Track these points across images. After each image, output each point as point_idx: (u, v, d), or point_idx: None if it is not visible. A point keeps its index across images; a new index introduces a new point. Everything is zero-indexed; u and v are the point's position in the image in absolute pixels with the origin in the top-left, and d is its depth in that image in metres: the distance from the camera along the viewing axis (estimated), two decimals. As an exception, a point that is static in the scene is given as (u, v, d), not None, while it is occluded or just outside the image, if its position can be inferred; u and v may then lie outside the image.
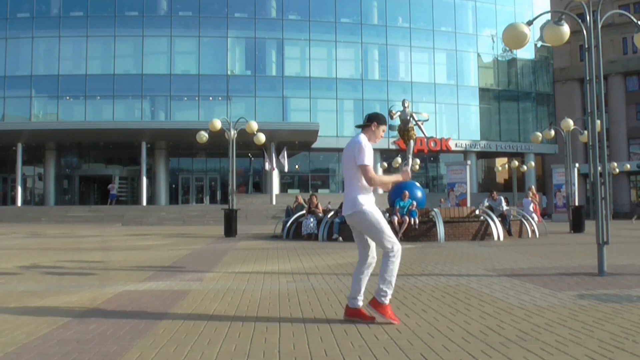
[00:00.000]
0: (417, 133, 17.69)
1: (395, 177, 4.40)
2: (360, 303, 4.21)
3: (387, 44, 38.44)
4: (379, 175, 4.40)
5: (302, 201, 17.38)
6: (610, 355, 3.25)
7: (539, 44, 41.41)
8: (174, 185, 37.00)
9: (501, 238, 13.77)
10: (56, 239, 15.88)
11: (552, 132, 19.62)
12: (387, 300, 4.14)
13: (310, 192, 28.37)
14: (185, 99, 36.45)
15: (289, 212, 17.45)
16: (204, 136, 17.60)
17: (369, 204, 4.14)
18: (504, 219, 14.73)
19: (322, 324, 4.22)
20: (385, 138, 36.54)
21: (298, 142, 33.34)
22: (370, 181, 4.11)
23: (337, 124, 36.98)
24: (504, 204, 15.68)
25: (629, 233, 16.99)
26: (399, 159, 23.25)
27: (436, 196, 30.33)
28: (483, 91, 40.91)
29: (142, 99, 35.97)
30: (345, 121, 37.95)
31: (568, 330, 3.87)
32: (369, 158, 4.08)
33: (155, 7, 36.72)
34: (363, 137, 4.18)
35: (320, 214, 15.29)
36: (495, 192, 16.61)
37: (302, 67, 38.02)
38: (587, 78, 7.18)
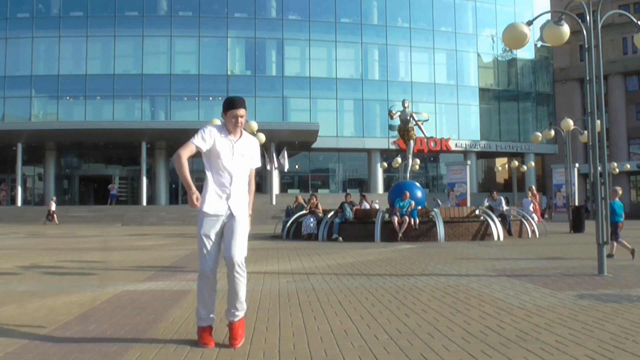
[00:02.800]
0: (417, 133, 17.71)
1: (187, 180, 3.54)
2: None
3: (387, 44, 38.42)
4: (184, 161, 3.58)
5: (302, 201, 17.39)
6: (610, 355, 3.25)
7: (539, 44, 41.40)
8: (174, 185, 36.96)
9: (501, 238, 13.77)
10: (56, 239, 15.88)
11: (552, 132, 19.63)
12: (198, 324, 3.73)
13: (310, 192, 28.37)
14: (185, 99, 36.44)
15: (289, 212, 17.45)
16: (204, 136, 17.57)
17: (202, 210, 3.71)
18: (504, 219, 14.73)
19: (322, 324, 4.22)
20: (385, 138, 36.62)
21: (298, 142, 33.33)
22: (177, 161, 3.61)
23: (337, 124, 36.98)
24: (504, 204, 15.68)
25: (629, 233, 16.97)
26: (399, 159, 23.27)
27: (436, 196, 30.31)
28: (483, 91, 40.91)
29: (142, 99, 35.95)
30: (345, 121, 37.96)
31: (568, 330, 3.87)
32: (198, 137, 3.65)
33: (155, 7, 36.70)
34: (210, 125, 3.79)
35: (320, 214, 15.30)
36: (495, 192, 16.61)
37: (302, 67, 38.01)
38: (587, 78, 7.19)
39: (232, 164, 3.68)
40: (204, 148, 3.62)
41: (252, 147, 3.82)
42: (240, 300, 3.62)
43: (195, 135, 3.63)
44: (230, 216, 3.66)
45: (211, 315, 3.70)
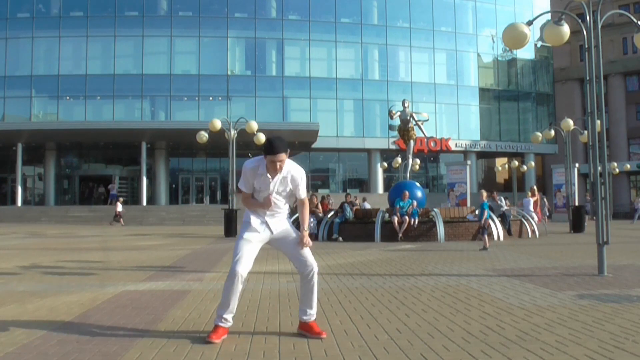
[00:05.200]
0: (417, 133, 17.70)
1: (260, 205, 3.87)
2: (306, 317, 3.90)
3: (387, 44, 38.44)
4: (248, 200, 3.91)
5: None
6: (610, 355, 3.25)
7: (539, 44, 41.40)
8: (174, 185, 36.99)
9: (501, 238, 13.77)
10: (56, 239, 15.88)
11: (552, 132, 19.61)
12: (219, 322, 3.80)
13: (311, 192, 28.36)
14: (185, 99, 36.45)
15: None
16: (204, 136, 17.60)
17: (245, 221, 3.93)
18: (504, 219, 14.73)
19: (322, 324, 4.22)
20: (385, 138, 36.63)
21: (298, 142, 33.31)
22: (243, 202, 3.97)
23: (337, 124, 36.99)
24: (504, 203, 15.67)
25: (629, 233, 16.99)
26: (399, 159, 23.26)
27: (436, 196, 30.26)
28: (483, 91, 40.92)
29: (142, 99, 35.97)
30: (345, 121, 37.96)
31: (568, 330, 3.87)
32: (242, 183, 3.86)
33: (155, 7, 36.71)
34: (250, 162, 3.82)
35: (320, 214, 15.30)
36: (495, 192, 16.58)
37: (302, 67, 38.02)
38: (587, 78, 7.18)
39: (269, 197, 3.83)
40: (249, 190, 3.87)
41: (293, 181, 3.83)
42: (315, 302, 3.91)
43: (241, 180, 3.88)
44: (276, 235, 3.90)
45: (226, 317, 3.78)
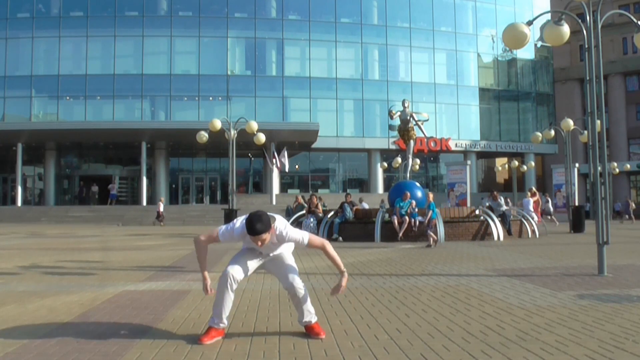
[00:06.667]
0: (417, 133, 17.70)
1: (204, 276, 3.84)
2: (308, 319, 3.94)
3: (387, 44, 38.44)
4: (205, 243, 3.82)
5: (302, 201, 17.38)
6: (610, 355, 3.25)
7: (539, 44, 41.41)
8: (174, 185, 36.98)
9: (501, 238, 13.77)
10: (56, 239, 15.87)
11: (552, 132, 19.61)
12: (212, 324, 3.82)
13: (311, 192, 28.36)
14: (185, 99, 36.45)
15: (289, 212, 17.46)
16: (204, 136, 17.60)
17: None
18: (504, 219, 14.72)
19: (322, 324, 4.22)
20: (385, 138, 36.64)
21: (298, 142, 33.32)
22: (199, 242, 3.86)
23: (337, 124, 36.99)
24: (503, 203, 15.66)
25: (629, 233, 17.00)
26: (399, 159, 23.27)
27: (436, 196, 30.19)
28: (483, 91, 40.91)
29: (142, 99, 35.96)
30: (345, 121, 37.95)
31: (568, 330, 3.87)
32: (224, 234, 3.74)
33: (155, 7, 36.71)
34: (241, 227, 3.69)
35: (320, 214, 15.29)
36: (496, 192, 16.56)
37: (302, 67, 38.01)
38: (587, 78, 7.18)
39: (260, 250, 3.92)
40: (223, 242, 3.81)
41: (287, 239, 3.80)
42: (307, 309, 3.90)
43: (224, 228, 3.76)
44: (271, 257, 3.97)
45: (218, 318, 3.78)
